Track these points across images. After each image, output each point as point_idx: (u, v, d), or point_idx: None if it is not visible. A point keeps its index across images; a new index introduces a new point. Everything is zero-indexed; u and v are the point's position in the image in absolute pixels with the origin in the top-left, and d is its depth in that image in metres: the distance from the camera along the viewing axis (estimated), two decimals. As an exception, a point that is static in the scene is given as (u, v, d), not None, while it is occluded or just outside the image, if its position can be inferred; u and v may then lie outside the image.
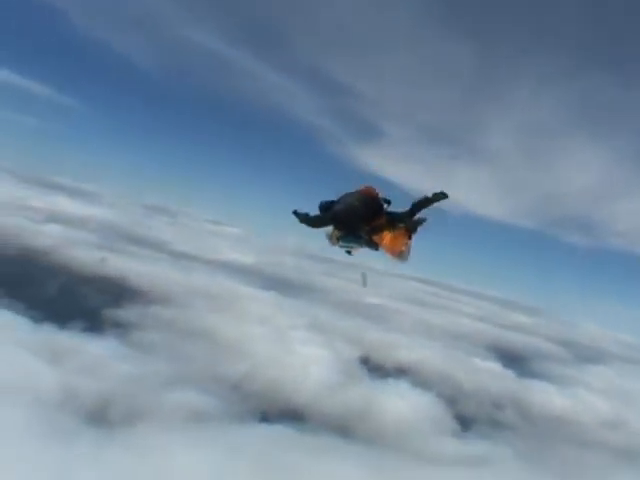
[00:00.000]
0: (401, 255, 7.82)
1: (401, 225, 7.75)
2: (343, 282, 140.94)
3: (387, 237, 7.62)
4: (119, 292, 74.01)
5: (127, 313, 66.29)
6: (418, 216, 7.80)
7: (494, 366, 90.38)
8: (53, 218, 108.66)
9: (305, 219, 8.07)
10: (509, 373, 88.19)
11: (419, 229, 7.85)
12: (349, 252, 8.04)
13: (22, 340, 47.17)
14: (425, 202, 7.66)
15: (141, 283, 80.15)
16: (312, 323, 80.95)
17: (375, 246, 7.80)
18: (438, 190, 7.60)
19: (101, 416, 40.30)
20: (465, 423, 62.76)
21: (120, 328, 60.54)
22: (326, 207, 7.76)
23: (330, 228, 7.94)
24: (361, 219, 7.53)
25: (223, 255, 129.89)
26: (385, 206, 7.81)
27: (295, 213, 8.17)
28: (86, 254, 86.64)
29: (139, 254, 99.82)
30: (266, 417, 48.60)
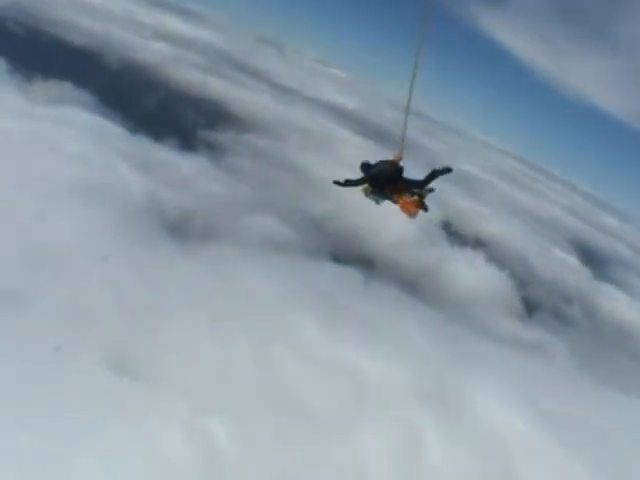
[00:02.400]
0: (410, 215, 9.57)
1: (415, 191, 9.52)
2: (440, 143, 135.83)
3: (402, 200, 9.42)
4: (216, 115, 74.01)
5: (221, 137, 66.57)
6: (428, 186, 9.59)
7: (572, 260, 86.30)
8: (161, 36, 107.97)
9: (347, 182, 9.94)
10: (586, 271, 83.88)
11: (427, 196, 9.58)
12: (377, 202, 9.95)
13: (116, 147, 48.36)
14: (432, 175, 9.57)
15: (239, 109, 79.63)
16: (401, 177, 78.65)
17: (395, 202, 9.58)
18: (445, 165, 9.62)
19: (182, 229, 41.45)
20: (530, 308, 61.17)
21: (212, 150, 61.05)
22: (366, 168, 9.72)
23: (366, 185, 9.76)
24: (388, 180, 9.53)
25: (325, 95, 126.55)
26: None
27: (335, 183, 10.08)
28: (189, 74, 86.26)
29: (241, 81, 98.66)
30: (339, 258, 48.53)
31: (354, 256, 50.63)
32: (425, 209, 9.59)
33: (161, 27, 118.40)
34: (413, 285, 51.23)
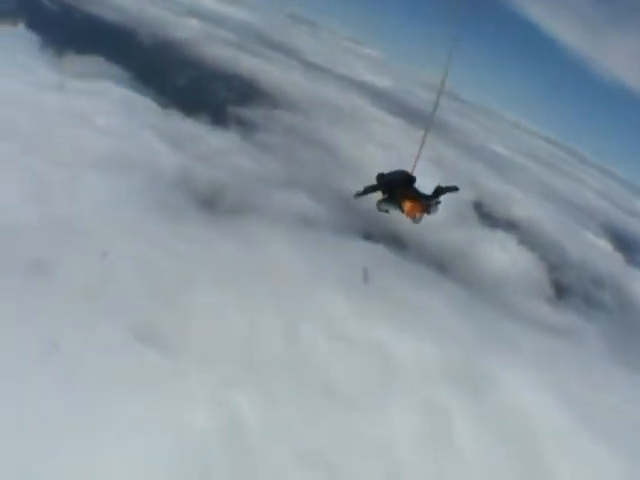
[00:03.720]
0: (414, 219, 9.85)
1: (423, 201, 9.80)
2: (473, 124, 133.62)
3: (408, 205, 9.72)
4: (248, 92, 73.70)
5: (252, 113, 66.31)
6: (436, 200, 9.95)
7: (605, 245, 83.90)
8: (193, 12, 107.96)
9: (365, 191, 10.22)
10: (618, 256, 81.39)
11: (434, 209, 9.97)
12: (387, 211, 10.20)
13: (148, 121, 48.45)
14: (439, 191, 9.99)
15: (270, 86, 79.23)
16: (434, 157, 77.42)
17: (401, 209, 9.86)
18: (451, 184, 10.15)
19: (212, 203, 41.38)
20: (561, 292, 59.65)
21: (243, 126, 60.80)
22: (381, 176, 10.16)
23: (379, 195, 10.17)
24: (399, 187, 9.87)
25: (357, 74, 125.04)
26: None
27: (357, 195, 10.38)
28: (221, 51, 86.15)
29: (273, 58, 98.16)
30: (369, 235, 47.98)
31: (385, 234, 49.95)
32: (429, 212, 9.93)
33: (194, 4, 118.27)
34: (443, 264, 50.55)
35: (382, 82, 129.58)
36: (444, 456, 26.02)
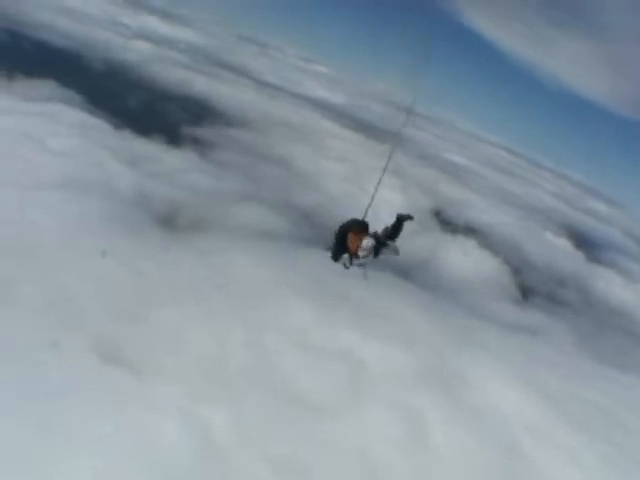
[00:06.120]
0: (361, 259, 9.34)
1: (379, 236, 9.39)
2: (427, 135, 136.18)
3: (351, 238, 9.27)
4: (202, 112, 73.87)
5: (208, 132, 66.33)
6: (390, 243, 9.45)
7: (565, 244, 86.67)
8: (143, 35, 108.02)
9: (335, 252, 9.62)
10: (579, 254, 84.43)
11: (388, 250, 9.46)
12: (345, 266, 9.59)
13: (102, 142, 47.97)
14: (396, 228, 9.56)
15: (224, 105, 79.55)
16: (391, 168, 78.53)
17: (348, 251, 9.44)
18: (407, 213, 9.68)
19: (171, 220, 41.11)
20: (526, 293, 61.28)
21: (199, 145, 60.78)
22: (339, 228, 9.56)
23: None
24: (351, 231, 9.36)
25: (310, 91, 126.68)
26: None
27: (334, 259, 9.75)
28: (173, 72, 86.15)
29: (225, 78, 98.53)
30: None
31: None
32: (377, 253, 9.45)
33: (143, 28, 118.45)
34: (407, 271, 50.99)
35: (335, 98, 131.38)
36: (421, 457, 26.03)
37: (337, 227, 9.66)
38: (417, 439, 26.87)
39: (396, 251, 9.57)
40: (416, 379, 30.77)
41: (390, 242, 9.50)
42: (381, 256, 9.52)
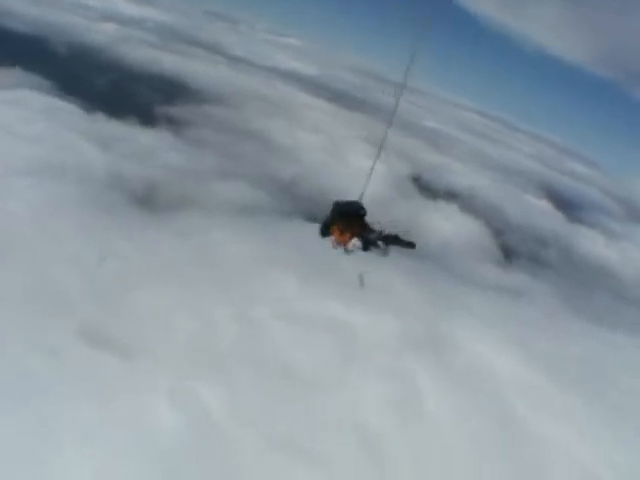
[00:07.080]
0: (339, 246, 9.34)
1: (370, 237, 9.28)
2: (402, 103, 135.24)
3: (336, 232, 9.22)
4: (174, 90, 72.72)
5: (181, 110, 65.32)
6: (382, 245, 9.32)
7: (545, 205, 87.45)
8: (108, 17, 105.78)
9: (325, 227, 9.45)
10: (559, 215, 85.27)
11: (379, 251, 9.38)
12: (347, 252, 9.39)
13: (73, 126, 47.07)
14: (395, 241, 9.33)
15: (197, 83, 78.41)
16: (367, 137, 78.32)
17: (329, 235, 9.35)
18: (410, 240, 9.38)
19: (148, 200, 40.57)
20: (508, 255, 61.72)
21: (173, 124, 59.85)
22: (336, 204, 9.42)
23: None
24: (348, 219, 9.23)
25: (282, 63, 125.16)
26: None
27: (322, 235, 9.55)
28: (141, 52, 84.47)
29: (196, 55, 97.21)
30: (312, 217, 47.98)
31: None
32: (366, 249, 9.40)
33: (107, 9, 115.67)
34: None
35: (307, 69, 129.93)
36: (417, 421, 26.20)
37: (333, 203, 9.50)
38: (411, 407, 27.01)
39: (385, 253, 9.48)
40: (405, 344, 30.97)
41: (382, 244, 9.39)
42: (370, 252, 9.46)
